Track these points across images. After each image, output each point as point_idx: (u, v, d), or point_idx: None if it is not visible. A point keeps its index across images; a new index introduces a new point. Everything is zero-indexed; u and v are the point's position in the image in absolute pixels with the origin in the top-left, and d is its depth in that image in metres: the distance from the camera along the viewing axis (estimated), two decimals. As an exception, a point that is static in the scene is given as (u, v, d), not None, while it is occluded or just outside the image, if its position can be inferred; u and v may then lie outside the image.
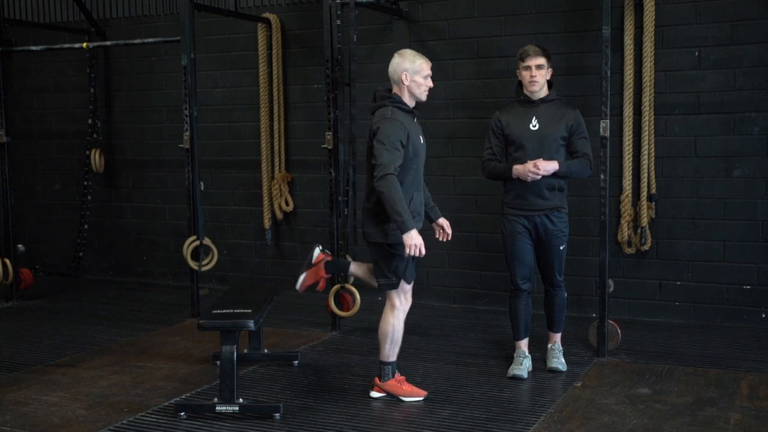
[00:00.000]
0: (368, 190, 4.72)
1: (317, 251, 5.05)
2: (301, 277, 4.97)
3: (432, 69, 7.05)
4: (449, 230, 4.98)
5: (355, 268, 5.07)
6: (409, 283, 4.75)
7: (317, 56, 7.25)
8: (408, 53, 4.73)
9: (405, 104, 4.69)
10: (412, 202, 4.64)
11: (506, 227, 5.19)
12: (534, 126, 5.08)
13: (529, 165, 4.95)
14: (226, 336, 4.56)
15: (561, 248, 5.16)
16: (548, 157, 5.02)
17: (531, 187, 5.04)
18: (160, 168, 8.43)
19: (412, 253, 4.46)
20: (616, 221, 6.52)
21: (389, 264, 4.67)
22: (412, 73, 4.66)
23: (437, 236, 5.01)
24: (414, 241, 4.43)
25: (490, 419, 4.46)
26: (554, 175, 5.01)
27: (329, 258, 5.05)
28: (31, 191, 9.06)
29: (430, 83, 4.75)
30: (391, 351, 4.76)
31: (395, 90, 4.73)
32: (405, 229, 4.43)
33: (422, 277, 7.32)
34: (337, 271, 5.02)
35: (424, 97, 4.74)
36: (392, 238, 4.63)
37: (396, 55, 4.73)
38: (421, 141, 4.77)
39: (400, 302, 4.75)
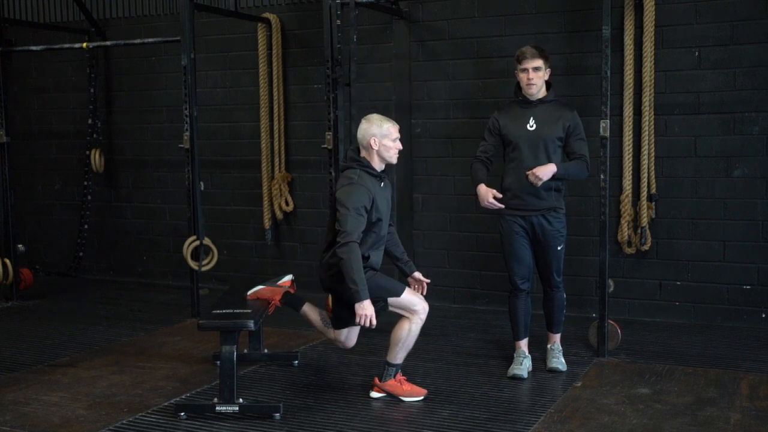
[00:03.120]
0: (327, 244, 4.79)
1: (288, 277, 5.20)
2: (259, 287, 5.06)
3: (432, 69, 7.13)
4: (426, 280, 4.96)
5: (308, 309, 5.13)
6: (399, 295, 4.71)
7: (317, 56, 7.26)
8: (375, 118, 4.76)
9: (373, 168, 4.72)
10: (369, 261, 4.69)
11: (503, 227, 5.19)
12: (531, 126, 5.08)
13: (530, 176, 4.95)
14: (226, 336, 4.57)
15: (558, 249, 5.16)
16: (545, 158, 5.03)
17: (528, 187, 5.04)
18: (160, 168, 8.43)
19: (362, 323, 4.49)
20: (616, 221, 6.52)
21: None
22: (380, 137, 4.69)
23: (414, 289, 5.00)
24: (365, 312, 4.47)
25: (490, 419, 4.46)
26: (552, 176, 5.00)
27: (292, 291, 5.15)
28: (31, 191, 9.06)
29: (400, 145, 4.78)
30: (399, 354, 4.78)
31: (364, 154, 4.75)
32: (358, 299, 4.48)
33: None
34: (290, 305, 5.12)
35: (394, 160, 4.78)
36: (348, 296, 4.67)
37: (363, 120, 4.77)
38: (387, 203, 4.81)
39: (409, 311, 4.72)
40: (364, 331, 6.05)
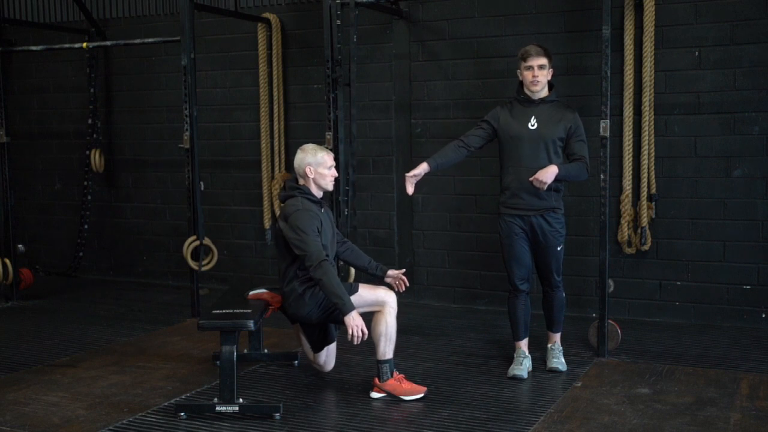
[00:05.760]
0: (283, 274, 4.91)
1: None
2: (262, 290, 5.16)
3: (432, 69, 7.12)
4: (401, 272, 5.09)
5: (297, 328, 5.19)
6: (357, 291, 4.81)
7: (317, 56, 7.26)
8: (309, 148, 4.92)
9: (313, 195, 4.88)
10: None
11: (503, 228, 5.19)
12: (532, 125, 5.08)
13: (534, 182, 4.95)
14: (226, 336, 4.57)
15: (558, 249, 5.16)
16: (545, 157, 5.03)
17: (527, 187, 5.03)
18: (160, 168, 8.43)
19: (356, 334, 4.56)
20: (616, 221, 6.52)
21: (333, 311, 4.78)
22: (315, 165, 4.86)
23: (395, 290, 5.08)
24: (355, 322, 4.56)
25: (490, 419, 4.46)
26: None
27: None
28: (31, 191, 9.06)
29: (335, 173, 4.95)
30: (387, 348, 4.79)
31: (302, 182, 4.91)
32: (346, 311, 4.57)
33: (422, 277, 7.33)
34: (287, 315, 5.19)
35: (330, 187, 4.95)
36: (316, 313, 4.84)
37: (299, 150, 4.93)
38: (331, 229, 4.96)
39: (378, 305, 4.78)
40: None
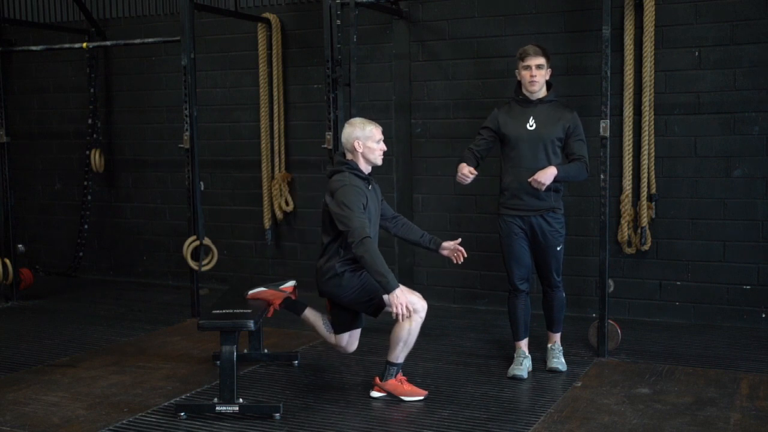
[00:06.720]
0: (323, 249, 4.84)
1: (291, 283, 5.22)
2: (261, 289, 5.09)
3: (432, 69, 7.12)
4: (457, 242, 5.01)
5: (309, 313, 5.15)
6: (395, 289, 4.56)
7: (317, 56, 7.26)
8: (357, 121, 4.82)
9: (361, 171, 4.79)
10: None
11: (502, 228, 5.19)
12: (531, 126, 5.08)
13: (532, 183, 4.95)
14: (226, 336, 4.57)
15: (558, 249, 5.16)
16: (544, 158, 5.04)
17: (527, 187, 5.04)
18: (160, 168, 8.43)
19: (402, 312, 4.48)
20: (616, 221, 6.52)
21: (365, 301, 4.78)
22: (364, 139, 4.76)
23: (455, 261, 5.05)
24: (400, 300, 4.47)
25: (490, 419, 4.46)
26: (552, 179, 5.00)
27: (293, 297, 5.18)
28: (31, 191, 9.07)
29: (384, 146, 4.84)
30: (401, 353, 4.77)
31: (350, 157, 4.82)
32: (390, 289, 4.48)
33: (422, 277, 7.33)
34: (291, 310, 5.16)
35: (379, 161, 4.85)
36: (350, 296, 4.78)
37: (346, 124, 4.84)
38: (377, 207, 4.88)
39: (410, 308, 4.63)
40: (364, 331, 6.06)
